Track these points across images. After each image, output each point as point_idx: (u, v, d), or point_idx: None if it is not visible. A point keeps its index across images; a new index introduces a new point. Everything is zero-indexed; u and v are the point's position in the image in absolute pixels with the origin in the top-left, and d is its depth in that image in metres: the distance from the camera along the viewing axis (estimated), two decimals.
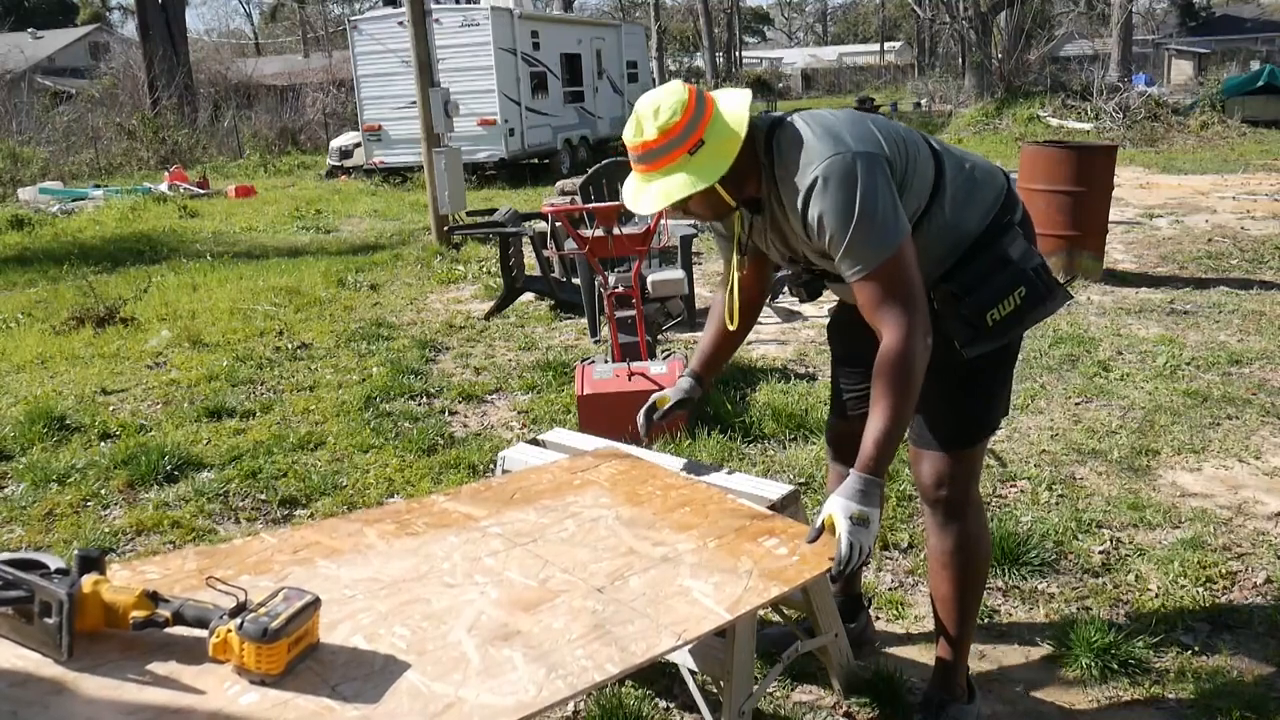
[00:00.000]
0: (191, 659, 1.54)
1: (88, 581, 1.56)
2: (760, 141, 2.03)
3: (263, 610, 1.51)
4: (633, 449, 2.55)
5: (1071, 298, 2.32)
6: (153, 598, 1.56)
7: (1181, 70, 33.42)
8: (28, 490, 3.96)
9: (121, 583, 1.64)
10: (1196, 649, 2.60)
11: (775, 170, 2.01)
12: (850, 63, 48.59)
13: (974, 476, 2.26)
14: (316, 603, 1.56)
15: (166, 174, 17.19)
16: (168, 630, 1.56)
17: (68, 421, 4.70)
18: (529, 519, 2.11)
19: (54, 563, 1.64)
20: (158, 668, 1.52)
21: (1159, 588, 2.88)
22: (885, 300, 1.93)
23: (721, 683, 2.15)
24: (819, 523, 1.97)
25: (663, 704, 2.44)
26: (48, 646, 1.53)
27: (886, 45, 55.79)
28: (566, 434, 2.79)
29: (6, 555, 1.65)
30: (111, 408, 5.00)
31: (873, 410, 1.94)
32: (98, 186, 16.74)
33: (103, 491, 3.94)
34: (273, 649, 1.47)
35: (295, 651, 1.51)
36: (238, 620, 1.49)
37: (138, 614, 1.54)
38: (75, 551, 1.61)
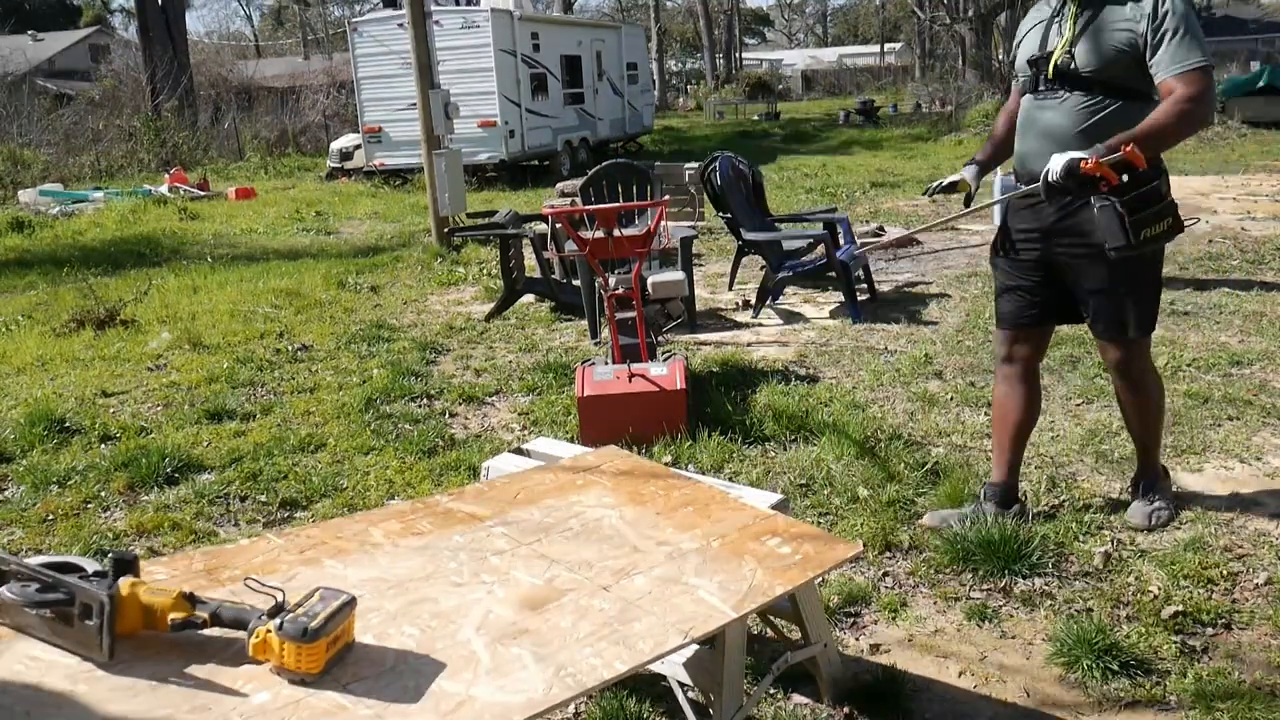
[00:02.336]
0: (202, 657, 1.55)
1: (125, 584, 1.56)
2: None
3: (300, 610, 1.52)
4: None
5: (1184, 230, 2.99)
6: (190, 599, 1.57)
7: None
8: (28, 492, 3.96)
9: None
10: (1197, 649, 2.61)
11: None
12: (850, 64, 48.61)
13: (1147, 355, 3.13)
14: (352, 602, 1.57)
15: (167, 176, 17.19)
16: (199, 632, 1.57)
17: (68, 424, 4.71)
18: (533, 518, 2.12)
19: (90, 565, 1.65)
20: (170, 667, 1.53)
21: (1160, 589, 2.88)
22: (1190, 84, 2.62)
23: (711, 695, 2.15)
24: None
25: (661, 708, 2.44)
26: (87, 648, 1.53)
27: (886, 47, 55.83)
28: (551, 443, 2.82)
29: (43, 558, 1.66)
30: (112, 410, 5.01)
31: (1146, 119, 2.66)
32: (98, 189, 16.74)
33: (103, 494, 3.94)
34: (313, 648, 1.48)
35: (333, 651, 1.52)
36: (277, 621, 1.50)
37: (176, 615, 1.54)
38: (110, 554, 1.62)
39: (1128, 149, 2.54)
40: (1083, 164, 2.57)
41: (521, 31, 16.21)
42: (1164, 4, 2.69)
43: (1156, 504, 3.28)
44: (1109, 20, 2.77)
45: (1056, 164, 2.62)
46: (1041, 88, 2.91)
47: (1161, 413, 3.28)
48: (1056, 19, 2.91)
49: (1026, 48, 3.02)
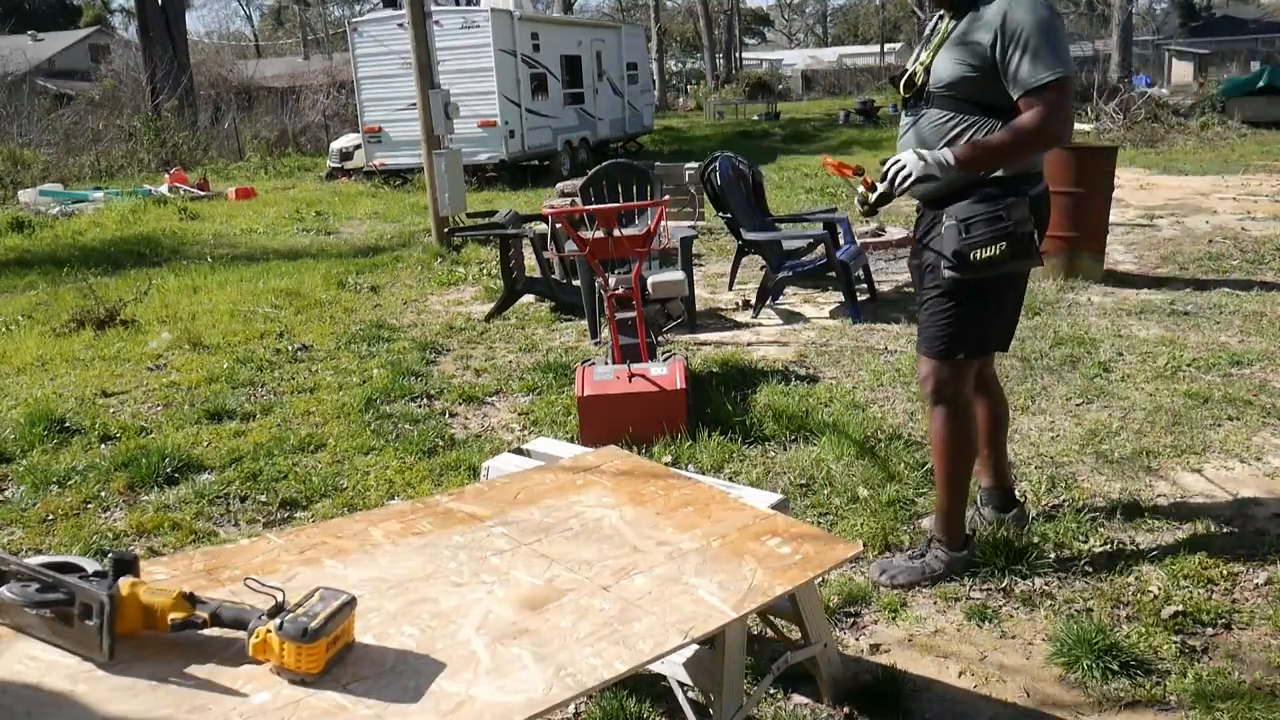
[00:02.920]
0: (202, 657, 1.55)
1: (125, 584, 1.56)
2: None
3: (300, 610, 1.52)
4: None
5: (1040, 264, 2.91)
6: (190, 599, 1.57)
7: (1182, 71, 33.46)
8: (28, 493, 3.96)
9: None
10: (1197, 649, 2.61)
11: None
12: (850, 64, 48.57)
13: (951, 381, 2.86)
14: (352, 602, 1.57)
15: (167, 176, 17.19)
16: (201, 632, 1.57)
17: (68, 424, 4.71)
18: (533, 518, 2.12)
19: (90, 566, 1.65)
20: (170, 667, 1.53)
21: (1160, 589, 2.88)
22: (1043, 102, 2.53)
23: (711, 695, 2.15)
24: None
25: (661, 708, 2.44)
26: (87, 649, 1.53)
27: (886, 47, 55.81)
28: (551, 443, 2.82)
29: (43, 558, 1.66)
30: (112, 410, 5.01)
31: (996, 133, 2.61)
32: (98, 189, 16.74)
33: (103, 494, 3.94)
34: (313, 648, 1.48)
35: (333, 651, 1.53)
36: (277, 621, 1.50)
37: (176, 615, 1.54)
38: (110, 554, 1.62)
39: (866, 180, 2.68)
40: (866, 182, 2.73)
41: (521, 31, 16.21)
42: (1012, 20, 2.57)
43: (913, 562, 3.02)
44: (965, 36, 2.68)
45: (908, 165, 2.65)
46: (908, 103, 2.86)
47: (964, 456, 2.96)
48: (933, 35, 2.87)
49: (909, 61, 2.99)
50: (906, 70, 2.86)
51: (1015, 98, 2.59)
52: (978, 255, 2.63)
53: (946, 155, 2.59)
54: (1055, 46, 2.55)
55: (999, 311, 2.90)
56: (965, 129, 2.71)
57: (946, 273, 2.71)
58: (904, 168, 2.62)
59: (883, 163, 2.68)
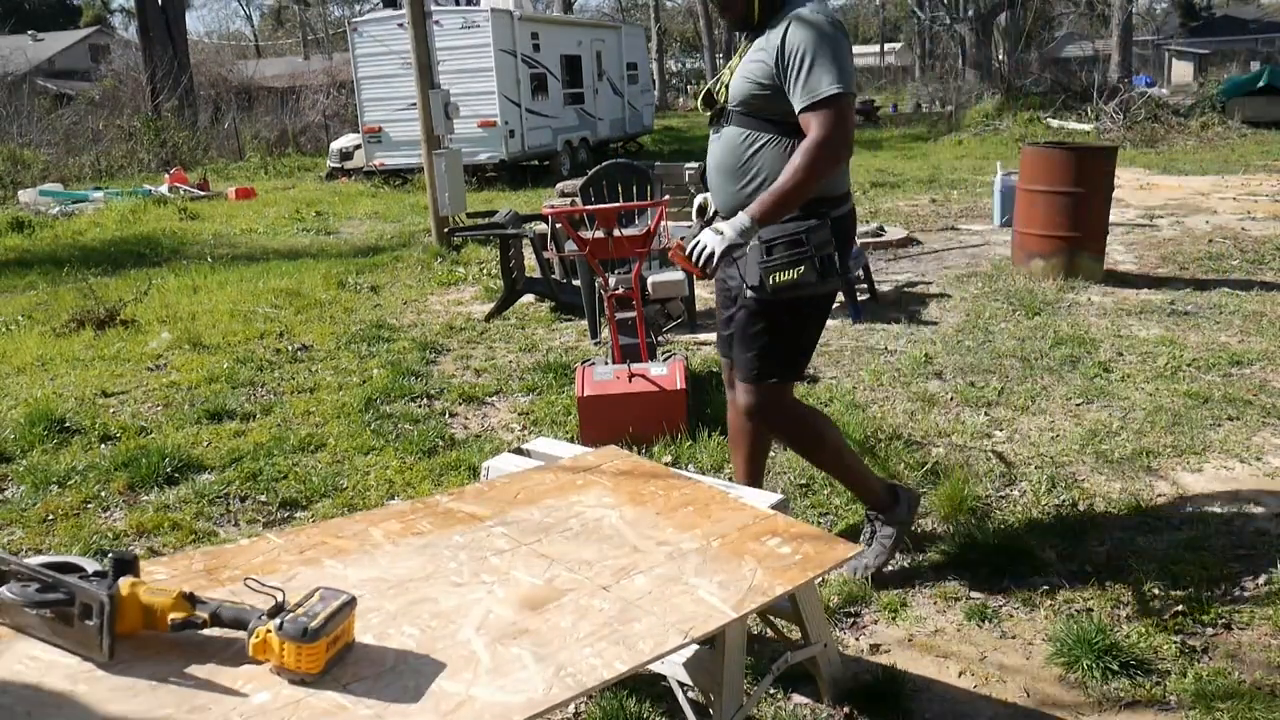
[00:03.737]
0: (202, 657, 1.55)
1: (125, 584, 1.56)
2: None
3: (300, 610, 1.52)
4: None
5: (839, 288, 2.87)
6: (190, 599, 1.57)
7: (1182, 71, 33.46)
8: (28, 493, 3.96)
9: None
10: (1197, 650, 2.61)
11: (779, 16, 2.63)
12: None
13: (770, 404, 2.85)
14: (352, 602, 1.57)
15: (167, 176, 17.19)
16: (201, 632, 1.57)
17: (68, 424, 4.71)
18: (533, 518, 2.12)
19: (90, 565, 1.65)
20: (170, 667, 1.53)
21: (1160, 589, 2.88)
22: (822, 118, 2.53)
23: (711, 695, 2.15)
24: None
25: (661, 708, 2.44)
26: (87, 649, 1.53)
27: (886, 47, 55.81)
28: (551, 443, 2.82)
29: (43, 558, 1.66)
30: (112, 410, 5.01)
31: (780, 174, 2.57)
32: (98, 189, 16.74)
33: (103, 494, 3.94)
34: (313, 648, 1.48)
35: (333, 651, 1.52)
36: (277, 621, 1.50)
37: (176, 615, 1.54)
38: (110, 554, 1.62)
39: (676, 247, 2.60)
40: (670, 251, 2.64)
41: (521, 31, 16.21)
42: (794, 37, 2.58)
43: (871, 545, 3.03)
44: (756, 54, 2.68)
45: (709, 243, 2.57)
46: (710, 121, 2.85)
47: (825, 448, 2.98)
48: (737, 51, 2.86)
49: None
50: (710, 88, 2.86)
51: (797, 113, 2.60)
52: (776, 278, 2.63)
53: (743, 220, 2.55)
54: (835, 64, 2.56)
55: (803, 334, 2.86)
56: (761, 148, 2.70)
57: (748, 294, 2.73)
58: (704, 248, 2.55)
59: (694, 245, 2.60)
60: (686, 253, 2.57)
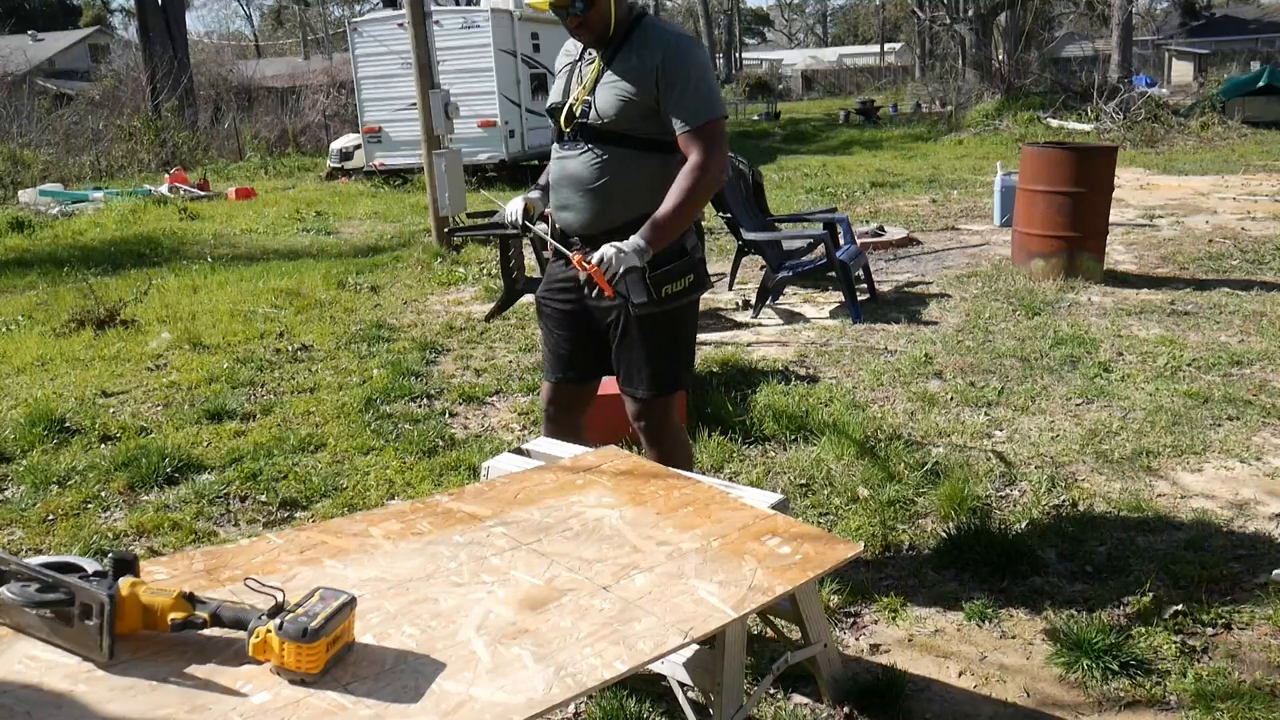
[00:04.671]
0: (203, 657, 1.55)
1: (125, 584, 1.56)
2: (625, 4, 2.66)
3: (300, 610, 1.52)
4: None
5: (712, 286, 2.90)
6: (190, 599, 1.57)
7: (1182, 71, 33.46)
8: (28, 493, 3.96)
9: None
10: (1197, 649, 2.61)
11: (633, 32, 2.65)
12: (850, 64, 48.60)
13: (669, 414, 2.90)
14: (352, 602, 1.57)
15: (167, 176, 17.19)
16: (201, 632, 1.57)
17: (68, 424, 4.71)
18: (533, 518, 2.12)
19: (90, 565, 1.65)
20: (170, 667, 1.53)
21: (1160, 589, 2.88)
22: (706, 141, 2.59)
23: (711, 695, 2.15)
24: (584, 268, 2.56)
25: (661, 708, 2.44)
26: (87, 649, 1.53)
27: (886, 47, 55.83)
28: (551, 443, 2.82)
29: (43, 558, 1.66)
30: (112, 410, 5.01)
31: (666, 198, 2.61)
32: (98, 189, 16.73)
33: (103, 494, 3.94)
34: (313, 648, 1.48)
35: (333, 651, 1.53)
36: (277, 620, 1.50)
37: (176, 615, 1.54)
38: (110, 554, 1.62)
39: (593, 268, 2.54)
40: (581, 263, 2.58)
41: (521, 31, 16.20)
42: (675, 62, 2.59)
43: None
44: (626, 73, 2.64)
45: (621, 261, 2.55)
46: (565, 138, 2.79)
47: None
48: (580, 64, 2.79)
49: (553, 94, 2.88)
50: (562, 104, 2.78)
51: (678, 134, 2.62)
52: (669, 289, 2.68)
53: (640, 243, 2.56)
54: (713, 88, 2.65)
55: (693, 338, 2.96)
56: (628, 165, 2.69)
57: (636, 309, 2.68)
58: (607, 264, 2.53)
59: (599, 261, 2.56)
60: (602, 268, 2.52)
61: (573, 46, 2.85)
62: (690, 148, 2.61)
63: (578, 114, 2.72)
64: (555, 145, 2.87)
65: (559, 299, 2.94)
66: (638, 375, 2.82)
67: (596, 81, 2.69)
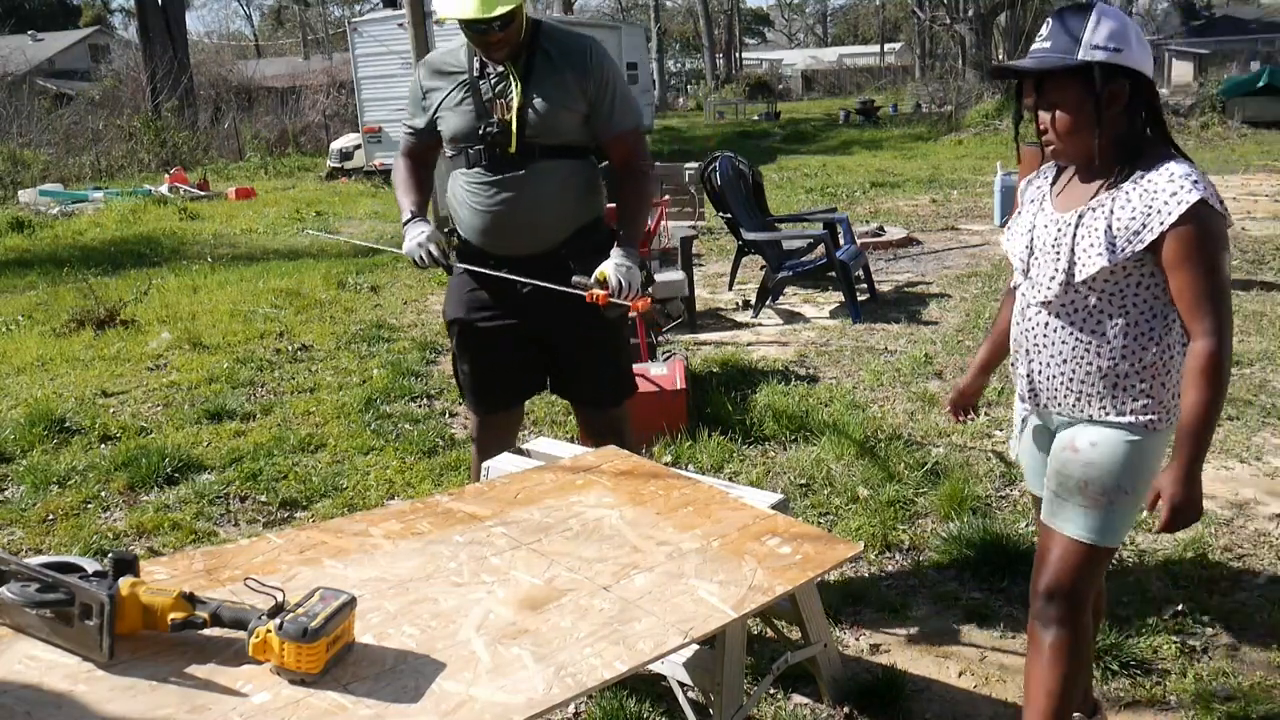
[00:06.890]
0: (203, 657, 1.55)
1: (125, 584, 1.56)
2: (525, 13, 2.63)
3: (300, 610, 1.51)
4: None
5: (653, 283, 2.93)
6: (190, 599, 1.57)
7: (1182, 71, 33.44)
8: (28, 492, 3.96)
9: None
10: (1197, 650, 2.61)
11: (544, 41, 2.63)
12: (850, 64, 48.59)
13: (628, 419, 2.94)
14: (352, 602, 1.57)
15: (167, 176, 17.18)
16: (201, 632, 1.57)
17: (68, 424, 4.71)
18: (533, 518, 2.12)
19: (90, 565, 1.65)
20: (170, 667, 1.53)
21: (1160, 589, 2.88)
22: (640, 142, 2.75)
23: (711, 695, 2.15)
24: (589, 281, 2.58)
25: (661, 708, 2.44)
26: (87, 649, 1.53)
27: (886, 47, 55.83)
28: (551, 443, 2.82)
29: (43, 558, 1.66)
30: (112, 410, 5.01)
31: (628, 203, 2.75)
32: (98, 189, 16.73)
33: (103, 494, 3.94)
34: (313, 648, 1.48)
35: (333, 651, 1.52)
36: (277, 620, 1.50)
37: (176, 615, 1.54)
38: (110, 554, 1.62)
39: (604, 297, 2.55)
40: (606, 300, 2.55)
41: None
42: (600, 65, 2.64)
43: None
44: (554, 82, 2.59)
45: (633, 278, 2.58)
46: (502, 160, 2.62)
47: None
48: (480, 81, 2.64)
49: (454, 119, 2.67)
50: (490, 130, 2.61)
51: (610, 137, 2.70)
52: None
53: (633, 253, 2.64)
54: (630, 91, 2.78)
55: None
56: (579, 176, 2.72)
57: (618, 312, 2.63)
58: (627, 287, 2.56)
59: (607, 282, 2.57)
60: (624, 293, 2.55)
61: (443, 64, 2.71)
62: (628, 150, 2.73)
63: (528, 133, 2.60)
64: (476, 170, 2.66)
65: (482, 316, 2.78)
66: (599, 386, 2.87)
67: (527, 96, 2.59)
